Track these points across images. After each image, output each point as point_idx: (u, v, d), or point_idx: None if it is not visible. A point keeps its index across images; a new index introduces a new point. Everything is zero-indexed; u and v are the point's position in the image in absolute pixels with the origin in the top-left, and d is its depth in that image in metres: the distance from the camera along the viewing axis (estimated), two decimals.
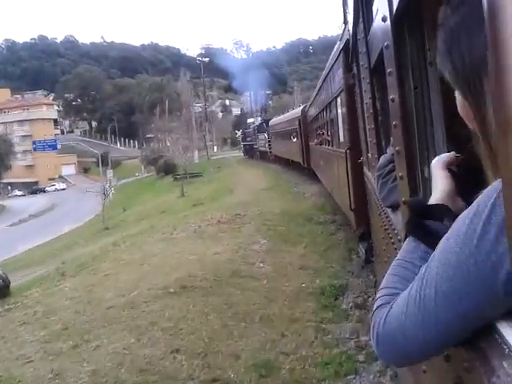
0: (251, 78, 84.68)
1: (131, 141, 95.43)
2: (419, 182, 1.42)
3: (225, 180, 29.98)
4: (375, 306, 0.87)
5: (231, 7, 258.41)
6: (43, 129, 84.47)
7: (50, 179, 75.83)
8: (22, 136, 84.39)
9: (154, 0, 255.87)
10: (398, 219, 1.70)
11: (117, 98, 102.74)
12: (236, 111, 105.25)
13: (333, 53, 9.21)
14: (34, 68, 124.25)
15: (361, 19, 2.87)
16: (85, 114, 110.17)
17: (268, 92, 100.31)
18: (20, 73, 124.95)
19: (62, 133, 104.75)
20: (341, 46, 7.45)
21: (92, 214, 35.51)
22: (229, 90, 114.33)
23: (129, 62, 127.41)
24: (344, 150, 7.29)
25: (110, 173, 45.74)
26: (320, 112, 12.75)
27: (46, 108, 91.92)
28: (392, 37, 1.70)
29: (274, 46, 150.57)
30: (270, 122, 37.04)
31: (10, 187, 74.79)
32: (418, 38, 1.66)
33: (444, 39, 0.77)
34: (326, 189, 13.38)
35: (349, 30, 4.26)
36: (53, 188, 71.00)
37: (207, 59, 76.82)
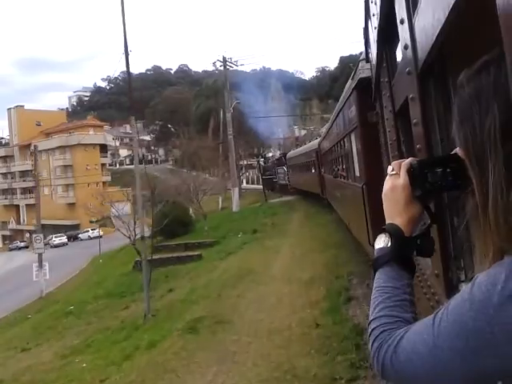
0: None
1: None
2: (449, 230, 1.49)
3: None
4: (380, 331, 0.87)
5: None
6: (86, 157, 66.25)
7: (91, 222, 51.22)
8: (64, 166, 67.10)
9: (269, 27, 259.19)
10: (427, 263, 1.75)
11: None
12: None
13: (345, 89, 9.31)
14: (144, 97, 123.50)
15: (384, 64, 2.98)
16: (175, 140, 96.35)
17: None
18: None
19: (118, 163, 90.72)
20: (353, 85, 7.56)
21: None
22: None
23: (237, 87, 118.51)
24: (360, 185, 7.32)
25: (39, 240, 23.82)
26: (334, 146, 12.86)
27: (93, 131, 73.09)
28: (418, 90, 1.80)
29: None
30: (288, 155, 36.59)
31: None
32: (444, 91, 1.74)
33: (458, 108, 0.81)
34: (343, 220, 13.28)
35: (371, 70, 4.40)
36: (86, 235, 55.14)
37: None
